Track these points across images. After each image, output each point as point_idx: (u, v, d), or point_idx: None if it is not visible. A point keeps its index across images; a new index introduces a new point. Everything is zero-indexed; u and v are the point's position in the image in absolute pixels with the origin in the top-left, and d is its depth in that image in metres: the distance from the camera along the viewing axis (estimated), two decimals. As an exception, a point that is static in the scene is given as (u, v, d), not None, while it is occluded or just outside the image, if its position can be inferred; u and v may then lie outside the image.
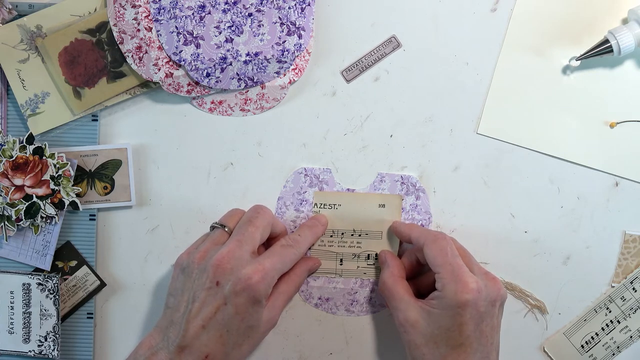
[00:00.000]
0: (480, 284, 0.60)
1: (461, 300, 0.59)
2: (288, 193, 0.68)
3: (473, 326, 0.60)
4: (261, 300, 0.60)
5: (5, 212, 0.65)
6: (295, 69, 0.68)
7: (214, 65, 0.66)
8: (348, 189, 0.68)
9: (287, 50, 0.67)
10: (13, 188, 0.64)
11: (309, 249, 0.68)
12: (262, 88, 0.68)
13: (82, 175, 0.67)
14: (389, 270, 0.65)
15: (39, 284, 0.66)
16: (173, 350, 0.59)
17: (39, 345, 0.66)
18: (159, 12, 0.65)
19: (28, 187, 0.65)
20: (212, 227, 0.66)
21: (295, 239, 0.65)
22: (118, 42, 0.65)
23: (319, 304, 0.69)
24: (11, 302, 0.66)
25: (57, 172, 0.65)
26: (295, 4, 0.66)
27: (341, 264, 0.66)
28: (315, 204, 0.66)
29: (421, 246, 0.63)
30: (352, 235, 0.65)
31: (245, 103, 0.68)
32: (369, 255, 0.65)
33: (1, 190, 0.64)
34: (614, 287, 0.70)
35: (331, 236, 0.66)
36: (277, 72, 0.67)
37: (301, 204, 0.67)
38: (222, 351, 0.59)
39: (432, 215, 0.69)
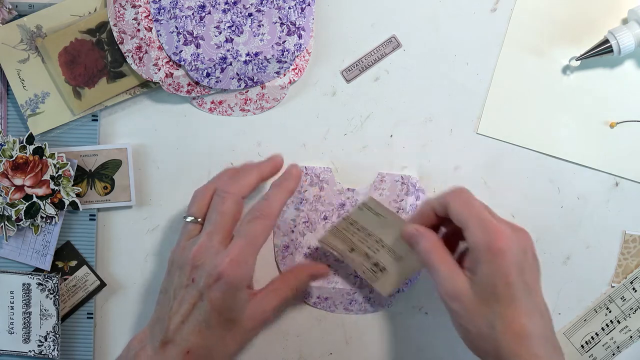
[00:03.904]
0: (511, 231, 0.57)
1: (497, 249, 0.56)
2: None
3: (516, 276, 0.56)
4: (239, 287, 0.59)
5: (5, 212, 0.65)
6: (295, 69, 0.68)
7: (214, 65, 0.66)
8: (348, 189, 0.68)
9: (287, 50, 0.67)
10: (13, 188, 0.64)
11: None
12: (262, 88, 0.68)
13: (82, 175, 0.67)
14: (425, 239, 0.60)
15: (39, 284, 0.66)
16: (157, 346, 0.59)
17: (39, 345, 0.66)
18: (159, 12, 0.65)
19: (28, 187, 0.65)
20: (184, 219, 0.64)
21: (261, 207, 0.62)
22: (118, 42, 0.65)
23: (317, 302, 0.69)
24: (11, 302, 0.66)
25: (57, 172, 0.65)
26: (295, 4, 0.66)
27: (350, 252, 0.65)
28: (364, 204, 0.64)
29: (446, 205, 0.59)
30: (377, 242, 0.64)
31: (245, 103, 0.68)
32: (377, 263, 0.64)
33: (1, 190, 0.64)
34: (614, 287, 0.70)
35: (358, 229, 0.64)
36: (277, 72, 0.67)
37: (301, 202, 0.67)
38: (203, 345, 0.59)
39: (419, 167, 0.68)
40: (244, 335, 0.61)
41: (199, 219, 0.63)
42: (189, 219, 0.63)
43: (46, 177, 0.65)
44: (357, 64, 0.69)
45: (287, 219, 0.67)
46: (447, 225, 0.63)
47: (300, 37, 0.67)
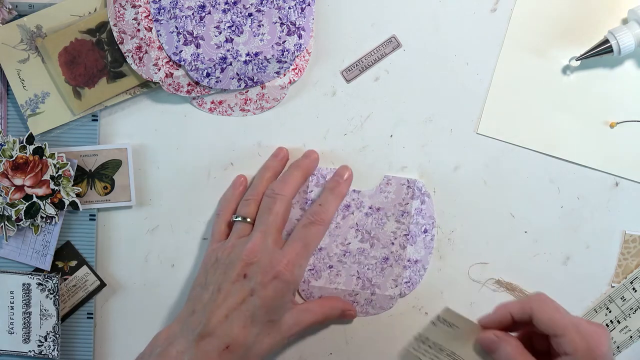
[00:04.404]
0: (604, 332, 0.57)
1: (600, 354, 0.55)
2: None
3: None
4: (291, 289, 0.61)
5: (5, 212, 0.65)
6: (295, 69, 0.68)
7: (214, 65, 0.66)
8: (354, 190, 0.68)
9: (287, 50, 0.67)
10: (13, 188, 0.64)
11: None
12: (262, 88, 0.68)
13: (82, 175, 0.67)
14: (508, 345, 0.57)
15: (39, 284, 0.66)
16: (193, 339, 0.59)
17: (39, 346, 0.66)
18: (159, 12, 0.65)
19: (28, 187, 0.65)
20: (234, 221, 0.66)
21: (316, 212, 0.64)
22: (118, 42, 0.65)
23: None
24: (11, 302, 0.66)
25: (57, 172, 0.65)
26: (295, 4, 0.66)
27: None
28: (439, 317, 0.61)
29: (529, 314, 0.57)
30: (449, 355, 0.61)
31: (245, 103, 0.68)
32: None
33: (1, 190, 0.64)
34: (614, 287, 0.70)
35: (430, 347, 0.62)
36: (277, 72, 0.67)
37: (307, 203, 0.67)
38: (243, 343, 0.59)
39: (435, 219, 0.69)
40: (278, 340, 0.62)
41: (249, 219, 0.64)
42: (239, 218, 0.65)
43: (46, 177, 0.65)
44: (357, 64, 0.69)
45: (292, 218, 0.67)
46: (519, 328, 0.61)
47: (300, 37, 0.67)
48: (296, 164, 0.67)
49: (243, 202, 0.66)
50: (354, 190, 0.68)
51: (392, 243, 0.68)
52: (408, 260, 0.68)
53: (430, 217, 0.68)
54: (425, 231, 0.68)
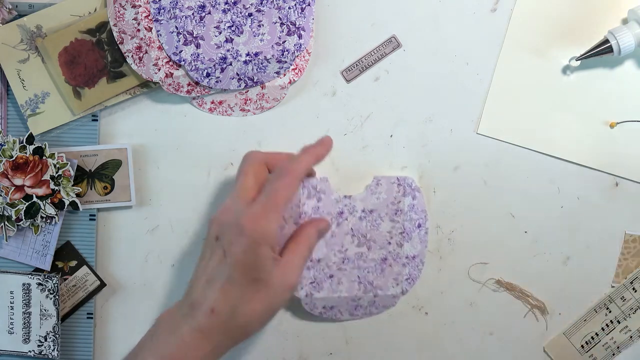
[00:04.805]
0: None
1: None
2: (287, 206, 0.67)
3: None
4: (261, 243, 0.58)
5: (5, 212, 0.65)
6: (295, 69, 0.68)
7: (214, 65, 0.66)
8: (345, 196, 0.68)
9: (287, 50, 0.67)
10: (13, 188, 0.64)
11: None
12: (262, 88, 0.68)
13: (82, 175, 0.67)
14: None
15: (39, 284, 0.66)
16: (185, 310, 0.59)
17: (38, 346, 0.66)
18: (159, 12, 0.65)
19: (28, 187, 0.65)
20: None
21: (285, 167, 0.62)
22: (118, 42, 0.65)
23: (323, 312, 0.69)
24: (11, 302, 0.66)
25: (57, 172, 0.65)
26: (295, 4, 0.66)
27: None
28: None
29: None
30: None
31: (245, 103, 0.68)
32: None
33: (1, 190, 0.64)
34: (614, 287, 0.70)
35: None
36: (277, 72, 0.67)
37: (300, 217, 0.67)
38: (228, 304, 0.58)
39: (428, 213, 0.69)
40: (272, 299, 0.60)
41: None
42: None
43: (46, 177, 0.65)
44: (357, 64, 0.69)
45: (287, 234, 0.66)
46: None
47: (300, 37, 0.67)
48: (309, 148, 0.65)
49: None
50: (345, 196, 0.68)
51: (389, 242, 0.68)
52: (406, 257, 0.68)
53: (423, 211, 0.68)
54: (419, 225, 0.68)
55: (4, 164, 0.64)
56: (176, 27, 0.65)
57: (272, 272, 0.59)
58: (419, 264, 0.69)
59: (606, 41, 0.66)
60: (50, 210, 0.65)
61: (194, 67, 0.66)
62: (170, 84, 0.66)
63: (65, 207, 0.65)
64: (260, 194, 0.60)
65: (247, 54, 0.66)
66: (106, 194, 0.68)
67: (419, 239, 0.68)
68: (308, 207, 0.67)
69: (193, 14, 0.65)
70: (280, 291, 0.60)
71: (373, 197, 0.68)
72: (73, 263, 0.68)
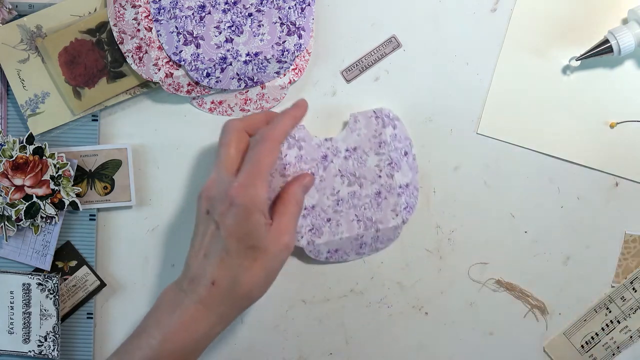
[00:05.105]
0: None
1: None
2: None
3: None
4: (252, 211, 0.59)
5: (5, 212, 0.65)
6: (295, 69, 0.68)
7: (214, 65, 0.66)
8: (326, 139, 0.68)
9: (287, 50, 0.67)
10: (13, 188, 0.64)
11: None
12: (262, 88, 0.68)
13: (82, 175, 0.67)
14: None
15: (39, 284, 0.66)
16: (185, 286, 0.60)
17: (38, 346, 0.66)
18: (159, 12, 0.65)
19: (28, 187, 0.65)
20: None
21: (265, 131, 0.62)
22: (118, 42, 0.65)
23: (329, 256, 0.69)
24: (11, 302, 0.66)
25: (57, 172, 0.65)
26: (295, 4, 0.66)
27: None
28: None
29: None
30: None
31: (245, 103, 0.68)
32: None
33: (1, 190, 0.64)
34: (614, 287, 0.70)
35: None
36: (277, 72, 0.67)
37: (285, 168, 0.67)
38: (228, 275, 0.59)
39: (412, 140, 0.68)
40: (270, 263, 0.60)
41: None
42: None
43: (46, 177, 0.65)
44: (357, 64, 0.69)
45: (276, 187, 0.66)
46: None
47: (300, 37, 0.67)
48: (285, 111, 0.66)
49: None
50: (326, 139, 0.68)
51: (379, 176, 0.68)
52: (399, 187, 0.68)
53: (406, 138, 0.68)
54: (406, 153, 0.68)
55: (4, 164, 0.64)
56: (176, 27, 0.65)
57: (266, 237, 0.60)
58: (413, 190, 0.69)
59: (606, 41, 0.66)
60: (50, 210, 0.65)
61: (194, 67, 0.66)
62: (170, 84, 0.66)
63: (65, 207, 0.65)
64: (244, 163, 0.61)
65: (247, 54, 0.66)
66: (106, 194, 0.68)
67: (409, 166, 0.68)
68: (291, 157, 0.67)
69: (193, 14, 0.65)
70: (277, 254, 0.61)
71: (354, 135, 0.68)
72: (73, 263, 0.68)
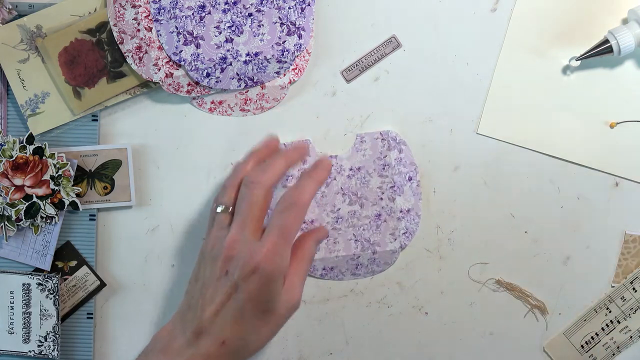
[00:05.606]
0: None
1: None
2: None
3: None
4: (276, 279, 0.59)
5: (5, 212, 0.65)
6: (295, 69, 0.68)
7: (214, 65, 0.66)
8: (331, 156, 0.68)
9: (287, 50, 0.67)
10: (13, 188, 0.64)
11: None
12: (262, 88, 0.68)
13: (82, 175, 0.67)
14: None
15: (39, 284, 0.66)
16: (190, 336, 0.59)
17: (38, 346, 0.66)
18: (159, 12, 0.65)
19: (28, 187, 0.65)
20: (215, 209, 0.64)
21: (293, 197, 0.61)
22: (118, 42, 0.65)
23: (324, 274, 0.69)
24: (11, 302, 0.66)
25: (57, 172, 0.65)
26: (295, 4, 0.66)
27: None
28: None
29: None
30: None
31: (245, 103, 0.68)
32: None
33: (1, 190, 0.64)
34: (614, 287, 0.70)
35: None
36: (277, 72, 0.67)
37: (287, 179, 0.67)
38: (239, 337, 0.59)
39: (418, 166, 0.68)
40: (277, 323, 0.61)
41: (230, 209, 0.62)
42: (219, 209, 0.63)
43: (46, 177, 0.65)
44: (357, 64, 0.69)
45: (277, 198, 0.66)
46: None
47: (300, 37, 0.67)
48: (281, 152, 0.65)
49: (221, 190, 0.64)
50: (330, 156, 0.68)
51: (381, 198, 0.68)
52: (400, 211, 0.68)
53: (412, 164, 0.68)
54: (410, 179, 0.68)
55: (4, 164, 0.64)
56: (176, 27, 0.65)
57: (280, 300, 0.60)
58: (414, 217, 0.69)
59: (606, 41, 0.66)
60: (50, 210, 0.65)
61: (194, 67, 0.66)
62: (170, 84, 0.66)
63: (65, 207, 0.65)
64: (272, 227, 0.60)
65: (247, 54, 0.66)
66: (106, 194, 0.68)
67: (412, 192, 0.68)
68: (294, 170, 0.67)
69: (193, 14, 0.65)
70: (286, 314, 0.61)
71: (359, 155, 0.68)
72: (73, 263, 0.68)
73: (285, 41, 0.66)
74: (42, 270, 0.67)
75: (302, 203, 0.61)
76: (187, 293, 0.62)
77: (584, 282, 0.70)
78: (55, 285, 0.66)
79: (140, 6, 0.65)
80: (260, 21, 0.66)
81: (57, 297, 0.66)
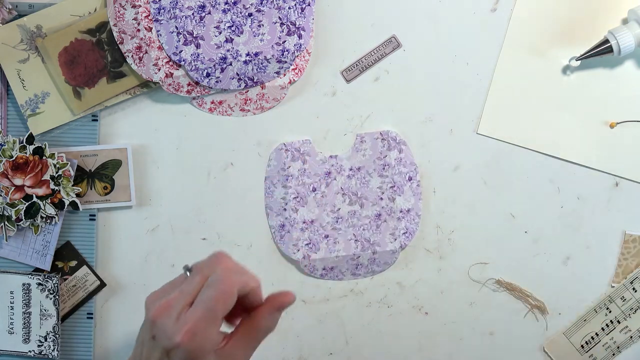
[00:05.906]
0: None
1: None
2: (273, 171, 0.68)
3: None
4: (198, 356, 0.55)
5: (5, 212, 0.65)
6: (295, 69, 0.68)
7: (214, 65, 0.66)
8: (331, 156, 0.68)
9: (287, 50, 0.67)
10: (13, 188, 0.64)
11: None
12: (262, 88, 0.68)
13: (82, 175, 0.67)
14: None
15: (39, 284, 0.66)
16: None
17: (38, 346, 0.66)
18: (159, 12, 0.65)
19: (28, 187, 0.65)
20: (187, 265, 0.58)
21: (222, 275, 0.55)
22: (118, 42, 0.65)
23: (324, 274, 0.69)
24: (11, 302, 0.66)
25: (57, 172, 0.65)
26: (295, 4, 0.66)
27: None
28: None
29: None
30: None
31: (245, 103, 0.68)
32: None
33: (1, 190, 0.64)
34: (614, 287, 0.70)
35: None
36: (277, 72, 0.67)
37: (287, 179, 0.67)
38: None
39: (418, 166, 0.68)
40: None
41: (189, 273, 0.56)
42: (186, 268, 0.57)
43: (46, 177, 0.65)
44: (357, 64, 0.69)
45: (277, 198, 0.67)
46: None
47: (300, 37, 0.67)
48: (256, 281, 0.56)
49: (206, 258, 0.57)
50: (330, 156, 0.68)
51: (381, 198, 0.68)
52: (400, 211, 0.68)
53: (412, 164, 0.68)
54: (410, 179, 0.68)
55: (4, 164, 0.64)
56: (176, 27, 0.65)
57: None
58: (414, 217, 0.69)
59: (606, 41, 0.66)
60: (50, 210, 0.65)
61: (194, 67, 0.66)
62: (170, 84, 0.66)
63: (65, 207, 0.65)
64: (198, 302, 0.54)
65: (247, 54, 0.66)
66: (106, 194, 0.68)
67: (412, 192, 0.68)
68: (294, 170, 0.67)
69: (193, 14, 0.65)
70: None
71: (359, 155, 0.68)
72: (73, 263, 0.68)
73: (285, 41, 0.67)
74: (42, 270, 0.67)
75: (232, 282, 0.54)
76: (136, 342, 0.57)
77: (584, 282, 0.70)
78: (55, 285, 0.66)
79: (140, 6, 0.65)
80: (260, 21, 0.66)
81: (57, 297, 0.66)
